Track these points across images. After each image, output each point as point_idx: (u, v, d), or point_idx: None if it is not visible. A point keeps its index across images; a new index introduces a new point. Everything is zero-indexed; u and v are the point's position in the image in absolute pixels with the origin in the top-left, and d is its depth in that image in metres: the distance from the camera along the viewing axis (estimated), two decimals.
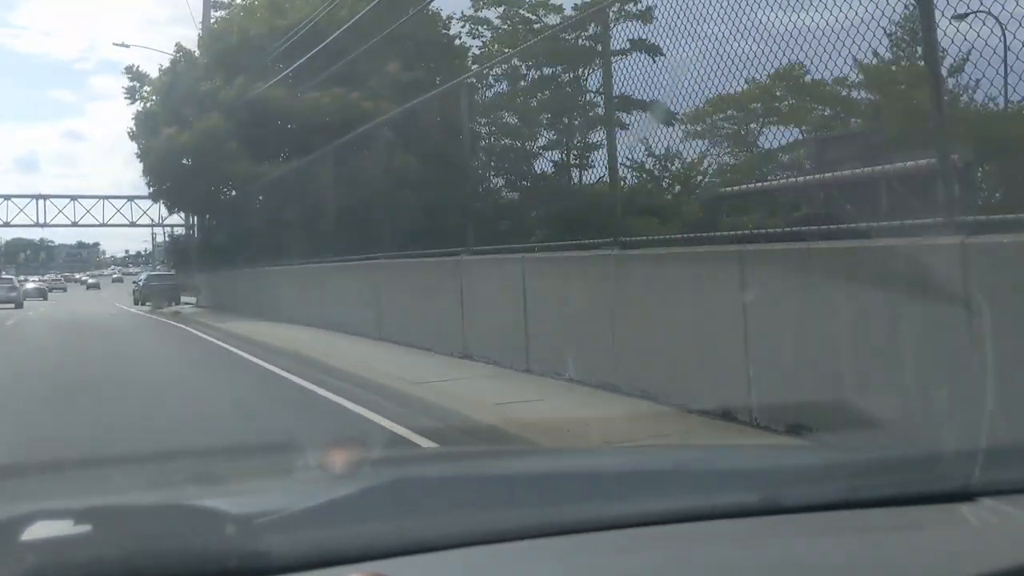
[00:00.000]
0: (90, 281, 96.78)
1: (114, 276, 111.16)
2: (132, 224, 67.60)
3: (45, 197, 64.38)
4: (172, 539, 1.34)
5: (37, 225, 61.72)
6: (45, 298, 49.55)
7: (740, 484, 1.66)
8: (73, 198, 63.53)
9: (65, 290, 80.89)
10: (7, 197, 61.06)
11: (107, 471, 2.52)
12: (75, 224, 64.35)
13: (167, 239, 70.36)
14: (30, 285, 54.77)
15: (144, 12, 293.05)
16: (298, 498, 1.64)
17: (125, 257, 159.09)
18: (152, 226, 72.36)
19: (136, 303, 39.30)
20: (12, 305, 36.25)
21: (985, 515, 1.51)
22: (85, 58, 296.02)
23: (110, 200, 66.90)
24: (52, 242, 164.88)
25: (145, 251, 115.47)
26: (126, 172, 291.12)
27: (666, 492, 1.67)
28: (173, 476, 2.23)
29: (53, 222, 61.50)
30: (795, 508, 1.52)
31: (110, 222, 65.59)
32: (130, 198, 68.27)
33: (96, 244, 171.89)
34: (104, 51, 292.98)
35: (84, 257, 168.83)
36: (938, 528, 1.52)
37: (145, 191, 31.51)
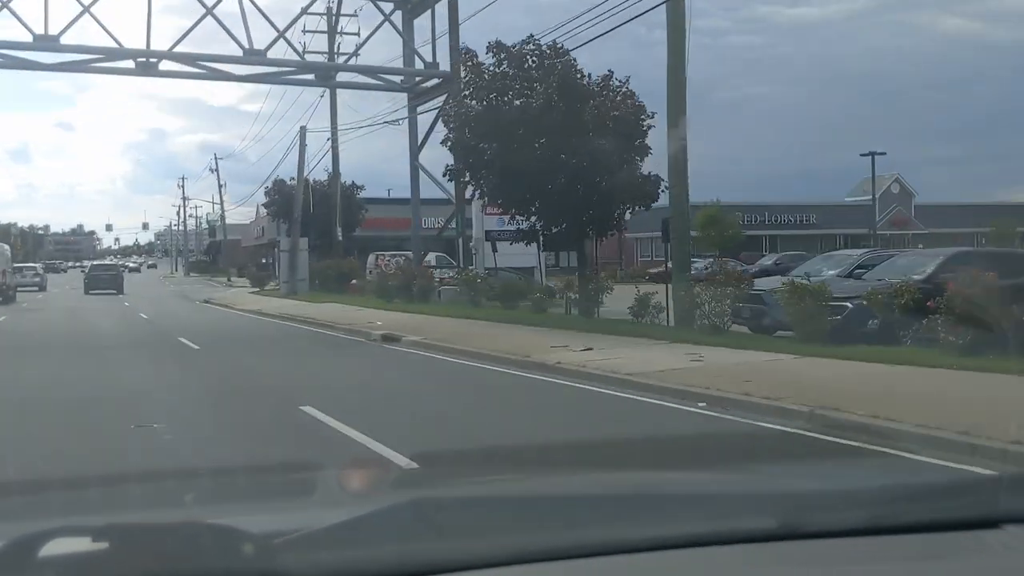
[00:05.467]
0: (131, 265, 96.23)
1: (65, 265, 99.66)
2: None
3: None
4: (190, 558, 1.34)
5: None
6: None
7: (760, 508, 1.65)
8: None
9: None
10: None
11: (127, 488, 2.53)
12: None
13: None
14: None
15: (137, 3, 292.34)
16: (317, 518, 1.64)
17: (136, 245, 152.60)
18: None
19: (86, 292, 40.74)
20: (36, 288, 41.07)
21: (1010, 542, 1.49)
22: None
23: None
24: (43, 229, 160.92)
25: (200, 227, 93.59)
26: (120, 164, 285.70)
27: (686, 516, 1.66)
28: (192, 494, 2.24)
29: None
30: (816, 534, 1.50)
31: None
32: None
33: (92, 232, 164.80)
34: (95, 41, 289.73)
35: (80, 239, 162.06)
36: (962, 556, 1.50)
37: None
